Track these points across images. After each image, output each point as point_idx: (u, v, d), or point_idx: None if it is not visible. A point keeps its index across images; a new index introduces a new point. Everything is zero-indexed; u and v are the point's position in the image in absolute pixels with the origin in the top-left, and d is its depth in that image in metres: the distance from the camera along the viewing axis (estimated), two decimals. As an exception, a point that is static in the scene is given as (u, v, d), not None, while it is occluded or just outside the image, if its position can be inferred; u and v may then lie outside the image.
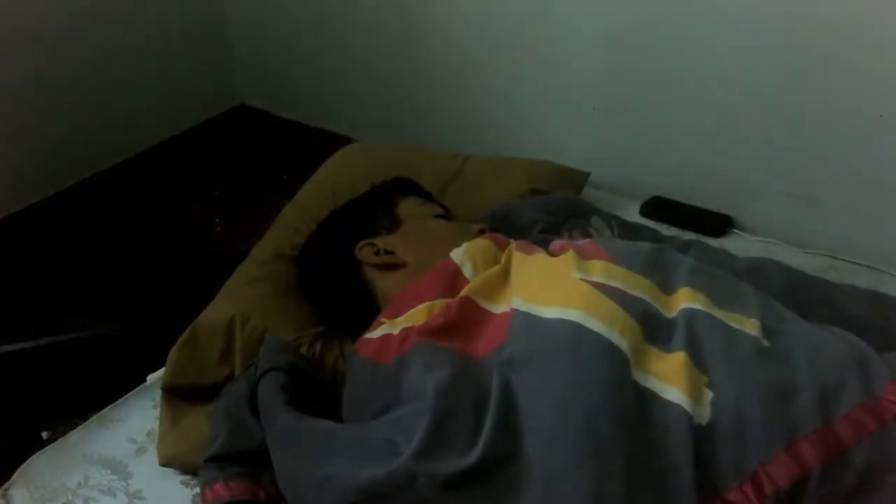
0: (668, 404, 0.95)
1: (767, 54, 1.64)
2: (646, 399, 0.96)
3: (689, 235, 1.58)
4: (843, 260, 1.59)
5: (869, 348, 1.03)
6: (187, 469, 1.20)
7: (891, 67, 1.52)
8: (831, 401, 0.95)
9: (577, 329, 1.01)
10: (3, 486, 1.22)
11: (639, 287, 1.08)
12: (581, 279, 1.08)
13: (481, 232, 1.30)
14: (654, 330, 1.03)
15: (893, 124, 1.56)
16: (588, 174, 1.73)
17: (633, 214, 1.71)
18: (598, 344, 0.99)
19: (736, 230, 1.73)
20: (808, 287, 1.26)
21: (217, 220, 2.17)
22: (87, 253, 2.03)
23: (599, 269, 1.10)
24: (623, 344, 0.99)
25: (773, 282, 1.24)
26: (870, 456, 0.92)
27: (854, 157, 1.63)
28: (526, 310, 1.06)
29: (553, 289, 1.08)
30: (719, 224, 1.73)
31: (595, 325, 1.01)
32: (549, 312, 1.04)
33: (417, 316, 1.10)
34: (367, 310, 1.23)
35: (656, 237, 1.44)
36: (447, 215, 1.38)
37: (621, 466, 0.91)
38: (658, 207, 1.77)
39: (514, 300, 1.08)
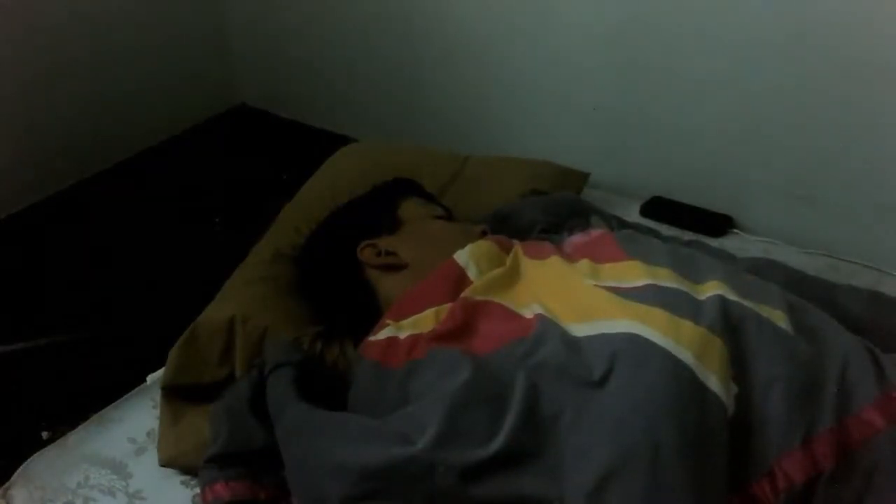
0: (712, 396, 0.94)
1: (768, 54, 1.64)
2: (700, 392, 0.94)
3: (689, 235, 1.58)
4: (843, 260, 1.59)
5: (875, 348, 1.04)
6: (187, 469, 1.19)
7: (891, 66, 1.52)
8: (849, 399, 0.96)
9: (633, 340, 0.98)
10: (3, 486, 1.22)
11: (670, 280, 1.07)
12: (603, 288, 1.07)
13: (483, 233, 1.29)
14: (696, 313, 1.01)
15: (893, 124, 1.56)
16: (588, 174, 1.73)
17: (633, 214, 1.71)
18: (662, 358, 0.96)
19: (736, 230, 1.73)
20: (808, 287, 1.26)
21: (217, 220, 2.17)
22: (87, 253, 2.03)
23: (623, 273, 1.10)
24: (685, 355, 0.96)
25: (774, 282, 1.23)
26: (880, 454, 0.93)
27: (854, 157, 1.63)
28: (553, 318, 1.04)
29: (578, 300, 1.07)
30: (719, 224, 1.73)
31: (651, 334, 0.98)
32: (580, 330, 1.02)
33: (425, 322, 1.10)
34: (368, 311, 1.23)
35: (656, 237, 1.44)
36: (448, 216, 1.38)
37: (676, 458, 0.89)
38: (658, 207, 1.77)
39: (535, 306, 1.07)
